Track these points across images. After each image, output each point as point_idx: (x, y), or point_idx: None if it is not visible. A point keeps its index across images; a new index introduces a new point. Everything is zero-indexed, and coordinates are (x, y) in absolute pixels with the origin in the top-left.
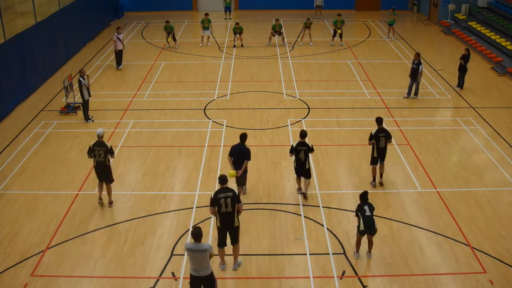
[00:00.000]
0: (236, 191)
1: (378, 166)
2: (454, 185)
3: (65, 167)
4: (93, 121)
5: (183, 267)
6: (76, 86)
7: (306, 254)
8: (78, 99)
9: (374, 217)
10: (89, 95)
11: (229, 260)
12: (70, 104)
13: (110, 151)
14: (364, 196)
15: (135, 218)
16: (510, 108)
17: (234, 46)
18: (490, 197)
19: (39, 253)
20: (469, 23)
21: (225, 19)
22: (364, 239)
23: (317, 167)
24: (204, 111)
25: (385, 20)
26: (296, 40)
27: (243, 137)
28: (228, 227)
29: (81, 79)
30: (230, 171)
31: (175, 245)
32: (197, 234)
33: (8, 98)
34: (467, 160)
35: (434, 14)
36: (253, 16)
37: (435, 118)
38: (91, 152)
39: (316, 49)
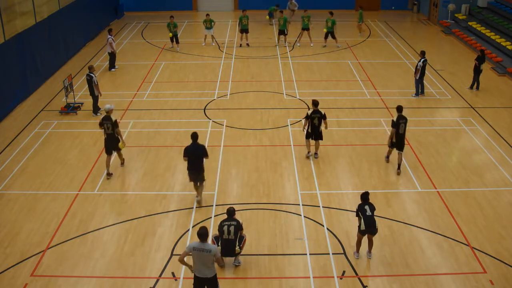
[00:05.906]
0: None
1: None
2: (454, 185)
3: (65, 167)
4: (101, 113)
5: (183, 267)
6: (76, 85)
7: (306, 254)
8: (78, 99)
9: (375, 217)
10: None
11: (229, 259)
12: (70, 104)
13: (115, 124)
14: (364, 196)
15: (135, 218)
16: (510, 108)
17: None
18: (490, 197)
19: (39, 253)
20: (469, 23)
21: (270, 24)
22: (364, 239)
23: (317, 167)
24: (204, 111)
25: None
26: (295, 41)
27: (195, 135)
28: (228, 254)
29: (92, 75)
30: (119, 144)
31: (175, 245)
32: (203, 234)
33: (8, 98)
34: (467, 160)
35: (434, 14)
36: (253, 16)
37: (435, 118)
38: (101, 125)
39: (316, 49)
